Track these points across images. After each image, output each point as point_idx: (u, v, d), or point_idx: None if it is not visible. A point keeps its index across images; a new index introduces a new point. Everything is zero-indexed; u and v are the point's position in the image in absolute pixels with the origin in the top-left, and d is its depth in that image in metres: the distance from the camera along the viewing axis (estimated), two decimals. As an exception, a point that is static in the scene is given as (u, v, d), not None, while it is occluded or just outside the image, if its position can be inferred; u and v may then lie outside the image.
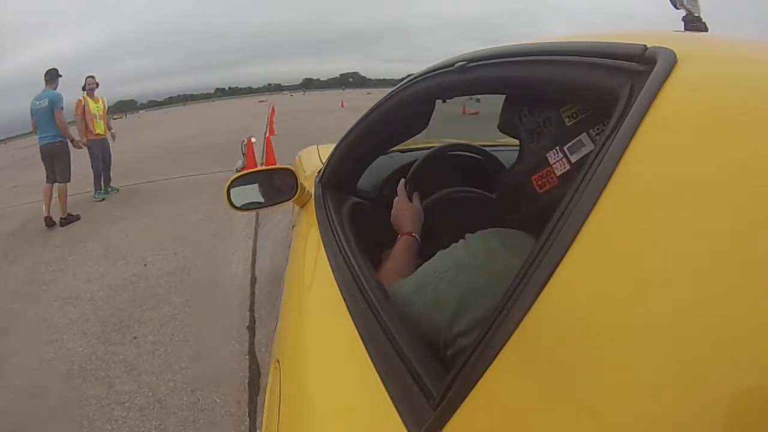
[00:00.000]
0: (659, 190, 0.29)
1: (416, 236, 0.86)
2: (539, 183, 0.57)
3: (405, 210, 0.90)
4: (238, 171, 4.88)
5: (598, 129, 0.51)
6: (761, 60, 0.37)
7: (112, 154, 5.18)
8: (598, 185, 0.31)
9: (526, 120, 0.61)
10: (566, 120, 0.54)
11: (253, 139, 5.59)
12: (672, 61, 0.35)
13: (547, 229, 0.33)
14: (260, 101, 46.21)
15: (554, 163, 0.55)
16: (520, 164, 0.62)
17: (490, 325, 0.34)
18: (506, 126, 0.67)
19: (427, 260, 0.92)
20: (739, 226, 0.24)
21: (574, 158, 0.53)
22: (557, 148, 0.54)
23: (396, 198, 0.94)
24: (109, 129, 5.16)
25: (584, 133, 0.52)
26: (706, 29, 0.51)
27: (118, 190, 5.21)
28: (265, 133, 9.71)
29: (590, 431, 0.26)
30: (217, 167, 6.04)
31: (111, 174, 5.19)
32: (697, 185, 0.27)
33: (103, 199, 4.93)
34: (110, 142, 5.18)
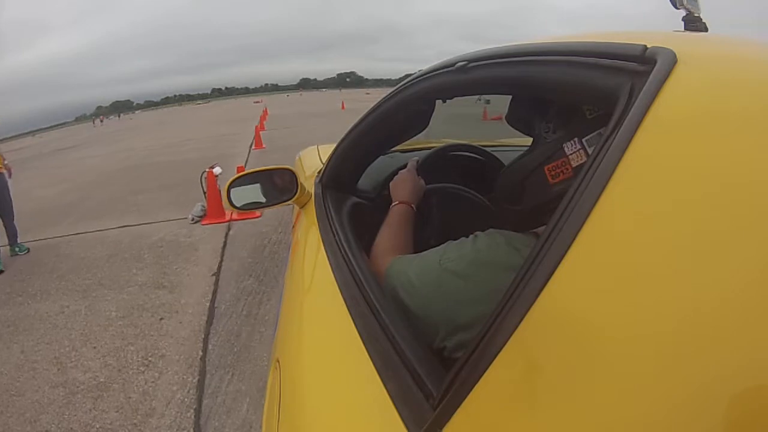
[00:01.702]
0: (659, 190, 0.29)
1: (413, 207, 0.86)
2: (552, 173, 0.57)
3: (408, 180, 0.92)
4: (194, 221, 3.92)
5: None
6: (761, 60, 0.37)
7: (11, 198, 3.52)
8: (598, 185, 0.31)
9: (543, 110, 0.61)
10: (587, 113, 0.54)
11: (216, 171, 4.05)
12: (672, 61, 0.35)
13: (547, 229, 0.33)
14: (255, 102, 45.93)
15: (571, 154, 0.55)
16: (531, 154, 0.61)
17: (490, 325, 0.34)
18: (516, 116, 0.67)
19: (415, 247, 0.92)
20: (739, 225, 0.24)
21: (591, 150, 0.53)
22: (575, 139, 0.55)
23: (403, 170, 0.96)
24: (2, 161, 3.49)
25: (604, 127, 0.52)
26: (706, 29, 0.51)
27: (28, 250, 3.62)
28: (251, 146, 8.88)
29: (590, 431, 0.26)
30: (168, 209, 4.50)
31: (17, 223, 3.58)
32: (698, 185, 0.27)
33: (1, 272, 3.27)
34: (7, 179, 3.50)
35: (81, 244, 3.72)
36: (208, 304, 2.45)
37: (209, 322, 2.27)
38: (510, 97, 0.68)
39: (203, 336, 2.14)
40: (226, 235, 3.59)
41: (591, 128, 0.53)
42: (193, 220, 3.99)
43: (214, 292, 2.60)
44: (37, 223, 4.33)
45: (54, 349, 2.12)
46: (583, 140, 0.54)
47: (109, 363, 1.98)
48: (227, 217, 3.93)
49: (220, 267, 2.96)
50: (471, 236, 0.60)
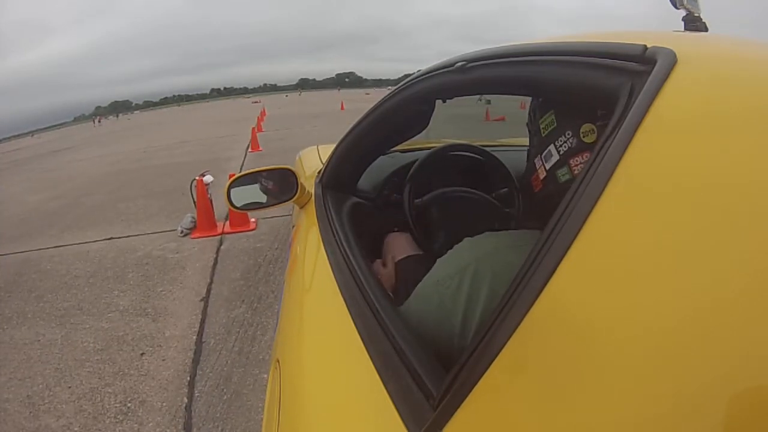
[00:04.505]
0: (659, 190, 0.29)
1: None
2: (534, 183, 0.62)
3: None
4: (184, 233, 3.66)
5: (561, 141, 0.56)
6: (761, 60, 0.37)
7: None
8: (598, 185, 0.31)
9: (529, 125, 0.64)
10: (542, 131, 0.59)
11: (207, 179, 3.71)
12: (672, 61, 0.35)
13: (546, 230, 0.33)
14: (254, 102, 45.84)
15: (539, 168, 0.60)
16: (526, 165, 0.66)
17: (490, 325, 0.34)
18: None
19: (426, 255, 0.92)
20: (739, 226, 0.24)
21: (547, 165, 0.58)
22: (539, 155, 0.60)
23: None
24: None
25: (552, 144, 0.57)
26: (706, 29, 0.52)
27: None
28: (247, 148, 8.64)
29: (591, 431, 0.26)
30: (157, 219, 4.24)
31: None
32: (697, 185, 0.27)
33: None
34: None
35: (64, 258, 3.48)
36: (194, 338, 2.17)
37: (196, 360, 2.00)
38: (511, 97, 0.69)
39: (189, 378, 1.88)
40: (217, 250, 3.30)
41: (545, 145, 0.58)
42: (182, 232, 3.67)
43: (202, 322, 2.31)
44: (23, 232, 4.20)
45: (27, 387, 1.95)
46: (542, 156, 0.59)
47: (84, 408, 1.77)
48: (218, 230, 3.66)
49: (209, 291, 2.67)
50: (459, 246, 0.60)
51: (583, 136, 0.52)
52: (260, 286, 2.67)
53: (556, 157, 0.56)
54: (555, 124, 0.56)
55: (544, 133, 0.58)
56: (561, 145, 0.55)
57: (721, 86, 0.33)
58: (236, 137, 11.15)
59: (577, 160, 0.53)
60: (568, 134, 0.54)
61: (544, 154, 0.58)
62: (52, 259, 3.48)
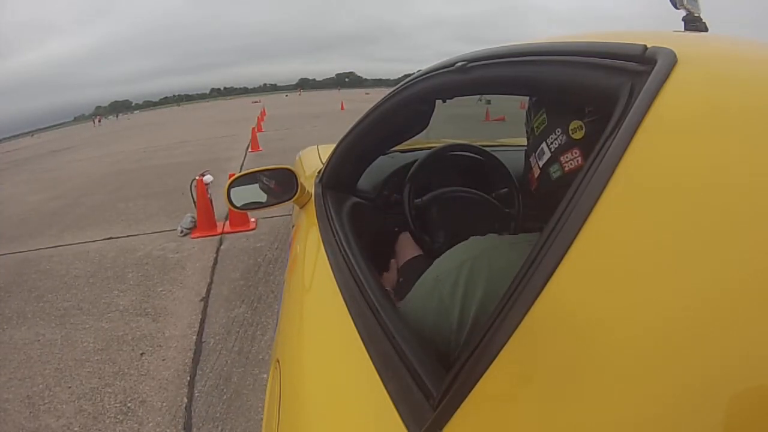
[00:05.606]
0: (659, 190, 0.29)
1: None
2: (530, 181, 0.63)
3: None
4: (184, 233, 3.65)
5: (552, 138, 0.57)
6: (761, 59, 0.38)
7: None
8: (598, 185, 0.31)
9: (526, 125, 0.65)
10: (536, 130, 0.60)
11: (206, 179, 3.68)
12: (672, 61, 0.35)
13: (547, 229, 0.33)
14: (253, 102, 45.92)
15: (533, 166, 0.61)
16: (524, 164, 0.67)
17: (490, 325, 0.34)
18: None
19: (425, 253, 0.93)
20: (739, 226, 0.24)
21: (540, 163, 0.59)
22: (533, 153, 0.61)
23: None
24: None
25: (544, 142, 0.58)
26: (706, 29, 0.52)
27: None
28: (247, 148, 8.66)
29: (590, 431, 0.26)
30: (157, 219, 4.25)
31: None
32: (697, 185, 0.27)
33: None
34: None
35: (63, 258, 3.47)
36: (194, 338, 2.18)
37: (195, 360, 2.01)
38: (511, 97, 0.69)
39: (189, 378, 1.88)
40: (217, 250, 3.31)
41: (538, 144, 0.60)
42: (182, 232, 3.67)
43: (202, 322, 2.31)
44: (23, 232, 4.22)
45: (27, 387, 1.94)
46: (535, 154, 0.60)
47: (84, 408, 1.77)
48: (218, 230, 3.66)
49: (209, 291, 2.67)
50: (461, 244, 0.60)
51: (572, 133, 0.54)
52: (260, 286, 2.68)
53: (548, 155, 0.57)
54: (546, 123, 0.58)
55: (537, 131, 0.60)
56: (552, 143, 0.57)
57: (721, 86, 0.33)
58: (236, 137, 11.14)
59: (567, 157, 0.55)
60: (558, 131, 0.55)
61: (537, 152, 0.59)
62: (52, 259, 3.47)
